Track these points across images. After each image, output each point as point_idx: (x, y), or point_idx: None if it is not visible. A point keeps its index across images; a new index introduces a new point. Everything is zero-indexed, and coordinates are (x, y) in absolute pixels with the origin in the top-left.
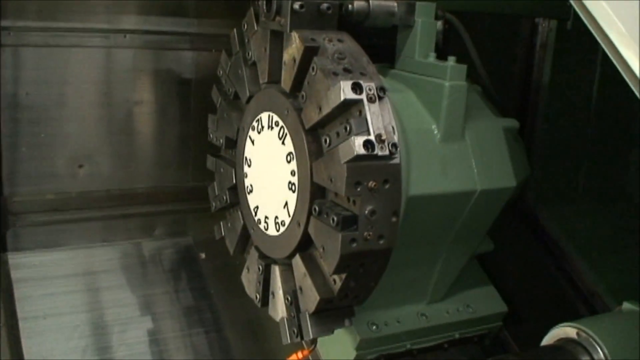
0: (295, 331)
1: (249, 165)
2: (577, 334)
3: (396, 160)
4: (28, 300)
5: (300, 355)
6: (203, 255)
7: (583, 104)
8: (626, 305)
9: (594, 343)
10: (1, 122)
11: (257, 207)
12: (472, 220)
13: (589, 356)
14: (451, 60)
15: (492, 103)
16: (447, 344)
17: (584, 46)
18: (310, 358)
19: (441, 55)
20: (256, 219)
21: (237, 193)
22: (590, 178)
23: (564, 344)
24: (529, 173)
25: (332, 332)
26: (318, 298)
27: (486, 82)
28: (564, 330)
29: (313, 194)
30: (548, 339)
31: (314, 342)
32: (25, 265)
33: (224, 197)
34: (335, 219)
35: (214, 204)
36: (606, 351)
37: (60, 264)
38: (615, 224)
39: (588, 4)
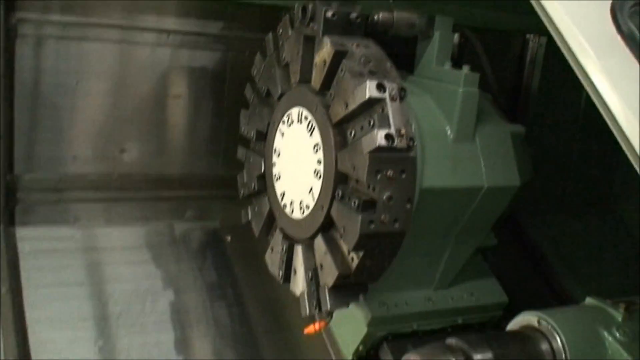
0: (315, 303)
1: (278, 155)
2: (538, 321)
3: (413, 153)
4: (73, 267)
5: (317, 326)
6: (229, 238)
7: (570, 117)
8: (589, 300)
9: (553, 331)
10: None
11: (283, 193)
12: (478, 215)
13: (547, 343)
14: (465, 69)
15: (500, 110)
16: (451, 328)
17: None
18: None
19: (456, 65)
20: (282, 203)
21: (265, 181)
22: (575, 188)
23: (526, 330)
24: (533, 176)
25: (348, 306)
26: (337, 273)
27: (496, 91)
28: (527, 318)
29: (336, 181)
30: (512, 325)
31: (329, 315)
32: (75, 238)
33: (252, 185)
34: (357, 202)
35: (242, 191)
36: (564, 339)
37: (100, 238)
38: (597, 233)
39: (560, 24)
